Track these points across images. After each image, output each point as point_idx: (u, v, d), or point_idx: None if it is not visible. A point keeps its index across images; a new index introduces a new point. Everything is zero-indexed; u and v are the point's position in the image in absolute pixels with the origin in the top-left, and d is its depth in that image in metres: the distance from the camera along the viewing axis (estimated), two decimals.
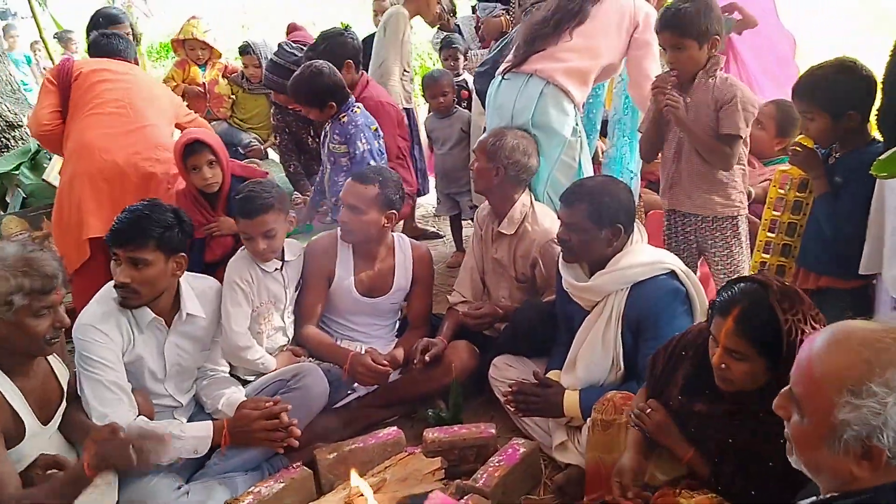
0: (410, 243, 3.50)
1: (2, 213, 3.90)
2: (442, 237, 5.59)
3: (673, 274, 2.72)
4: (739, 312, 1.98)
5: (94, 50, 3.85)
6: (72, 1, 11.21)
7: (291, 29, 5.46)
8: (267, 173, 3.77)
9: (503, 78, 3.54)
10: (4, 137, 5.28)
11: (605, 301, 2.78)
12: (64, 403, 2.63)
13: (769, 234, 3.08)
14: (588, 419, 2.61)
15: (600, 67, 3.45)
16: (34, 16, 7.06)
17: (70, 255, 3.33)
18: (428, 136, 5.06)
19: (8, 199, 4.02)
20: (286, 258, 3.28)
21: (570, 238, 2.80)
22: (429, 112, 5.09)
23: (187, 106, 5.85)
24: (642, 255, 2.77)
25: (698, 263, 3.32)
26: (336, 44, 3.93)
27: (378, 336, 3.47)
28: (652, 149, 3.33)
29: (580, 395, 2.80)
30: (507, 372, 3.18)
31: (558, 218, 2.90)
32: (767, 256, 3.09)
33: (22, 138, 5.26)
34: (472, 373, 3.30)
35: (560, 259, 2.91)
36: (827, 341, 1.45)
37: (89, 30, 5.01)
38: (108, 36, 3.87)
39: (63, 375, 2.66)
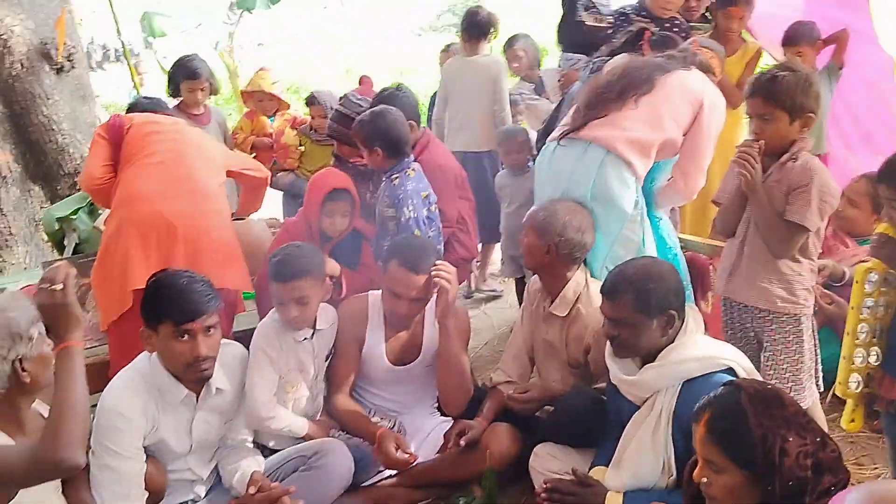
0: None
1: (59, 257, 3.92)
2: (499, 296, 5.39)
3: (731, 371, 2.44)
4: (709, 418, 1.90)
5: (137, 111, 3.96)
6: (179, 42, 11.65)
7: (362, 82, 5.39)
8: (374, 230, 3.69)
9: (558, 144, 3.32)
10: None
11: (655, 398, 2.52)
12: None
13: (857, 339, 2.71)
14: None
15: (662, 141, 3.21)
16: (127, 61, 7.28)
17: (111, 304, 3.26)
18: (497, 193, 4.89)
19: (65, 243, 4.05)
20: (318, 326, 3.13)
21: (618, 333, 2.56)
22: (501, 167, 4.94)
23: (255, 157, 5.90)
24: (696, 348, 2.51)
25: (762, 360, 2.96)
26: (395, 102, 3.82)
27: (415, 406, 3.28)
28: (730, 223, 2.98)
29: (624, 499, 2.52)
30: (548, 463, 2.91)
31: (602, 312, 2.65)
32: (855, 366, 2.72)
33: None
34: (512, 459, 3.03)
35: (608, 349, 2.68)
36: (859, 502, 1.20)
37: (169, 78, 5.10)
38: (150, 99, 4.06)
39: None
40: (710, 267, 3.67)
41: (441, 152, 4.08)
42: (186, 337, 2.59)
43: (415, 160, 3.73)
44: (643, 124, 3.17)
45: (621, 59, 3.85)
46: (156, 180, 3.35)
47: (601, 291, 2.63)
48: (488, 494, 2.91)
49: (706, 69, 3.40)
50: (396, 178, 3.53)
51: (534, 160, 4.67)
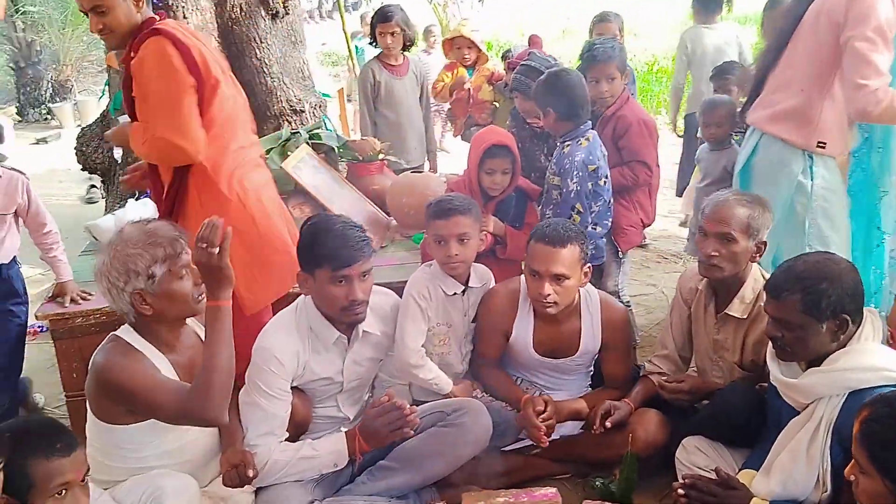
0: (602, 303, 3.09)
1: None
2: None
3: None
4: (866, 417, 1.89)
5: None
6: None
7: (531, 41, 5.24)
8: (539, 190, 3.64)
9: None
10: (289, 121, 5.65)
11: (816, 405, 2.31)
12: None
13: None
14: None
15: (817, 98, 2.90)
16: (340, 12, 7.52)
17: None
18: (695, 165, 4.68)
19: None
20: (470, 283, 3.11)
21: (782, 335, 2.35)
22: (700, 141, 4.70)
23: (450, 111, 5.96)
24: (868, 357, 2.27)
25: None
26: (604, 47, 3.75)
27: (565, 389, 3.16)
28: None
29: None
30: (695, 457, 2.76)
31: (766, 311, 2.43)
32: None
33: (301, 123, 5.59)
34: (657, 447, 2.91)
35: (768, 349, 2.47)
36: None
37: (371, 27, 5.26)
38: None
39: None
40: None
41: (639, 109, 3.94)
42: (343, 282, 2.65)
43: (611, 114, 3.66)
44: (785, 92, 2.92)
45: None
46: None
47: (765, 288, 2.43)
48: (626, 480, 2.80)
49: None
50: (568, 145, 3.42)
51: (736, 135, 4.40)
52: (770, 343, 2.46)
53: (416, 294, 3.02)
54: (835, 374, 2.27)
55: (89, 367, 2.45)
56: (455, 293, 3.08)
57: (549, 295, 2.88)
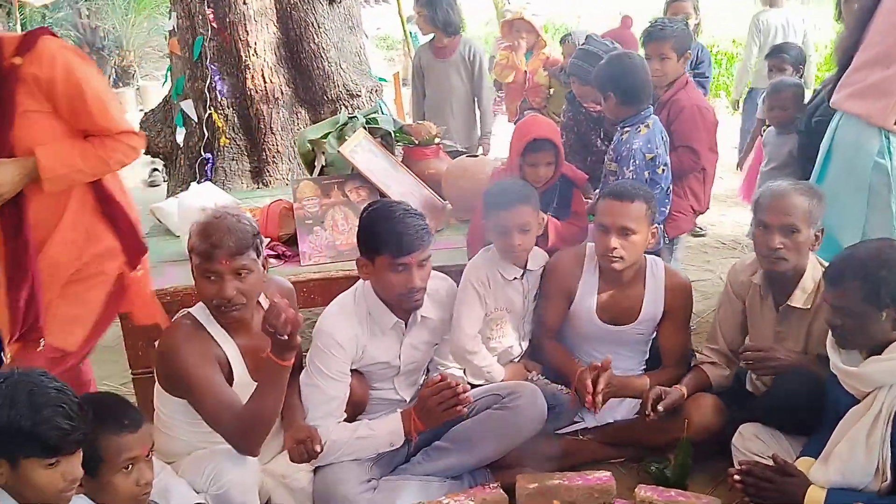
0: (666, 269, 3.11)
1: (307, 177, 4.21)
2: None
3: None
4: None
5: None
6: None
7: (623, 22, 5.17)
8: (587, 177, 3.61)
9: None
10: (344, 105, 5.71)
11: (877, 394, 2.28)
12: None
13: None
14: None
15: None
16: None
17: None
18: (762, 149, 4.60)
19: (315, 164, 4.34)
20: (528, 267, 3.12)
21: (842, 323, 2.32)
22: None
23: (506, 94, 5.95)
24: None
25: None
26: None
27: (623, 367, 3.13)
28: None
29: (828, 494, 2.33)
30: (751, 444, 2.73)
31: (824, 300, 2.40)
32: None
33: (358, 107, 5.64)
34: (713, 433, 2.89)
35: (828, 337, 2.44)
36: None
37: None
38: None
39: None
40: None
41: (700, 95, 3.90)
42: (402, 269, 2.67)
43: (668, 99, 3.64)
44: (868, 68, 2.83)
45: None
46: None
47: (824, 276, 2.39)
48: (681, 465, 2.80)
49: None
50: (626, 131, 3.39)
51: (803, 119, 4.32)
52: (830, 331, 2.43)
53: (474, 280, 3.03)
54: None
55: (159, 340, 2.56)
56: (515, 278, 3.09)
57: (615, 248, 2.89)
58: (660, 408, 2.82)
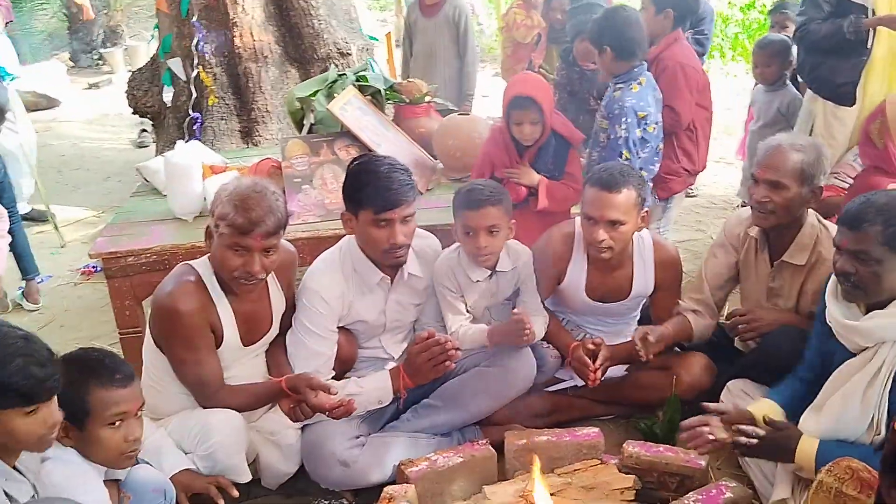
0: (654, 244, 3.03)
1: (297, 135, 4.16)
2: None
3: None
4: None
5: None
6: None
7: None
8: (584, 137, 3.56)
9: None
10: (335, 64, 5.62)
11: (877, 349, 2.23)
12: (273, 333, 2.73)
13: None
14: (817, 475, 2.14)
15: None
16: None
17: None
18: (750, 107, 4.62)
19: (304, 122, 4.28)
20: (498, 268, 2.95)
21: (855, 270, 2.24)
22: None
23: (511, 56, 5.87)
24: None
25: None
26: None
27: (611, 332, 3.12)
28: None
29: (819, 445, 2.28)
30: (740, 401, 2.69)
31: (835, 245, 2.32)
32: None
33: (348, 66, 5.56)
34: (702, 391, 2.87)
35: (828, 289, 2.39)
36: None
37: None
38: None
39: (278, 307, 2.73)
40: None
41: (686, 53, 3.82)
42: (384, 224, 2.63)
43: (655, 57, 3.58)
44: None
45: None
46: None
47: (839, 220, 2.31)
48: (669, 421, 2.79)
49: None
50: (619, 88, 3.35)
51: (790, 76, 4.28)
52: (832, 281, 2.38)
53: (443, 286, 2.94)
54: None
55: (156, 290, 2.54)
56: (478, 280, 2.95)
57: (603, 241, 2.83)
58: (650, 338, 2.77)
